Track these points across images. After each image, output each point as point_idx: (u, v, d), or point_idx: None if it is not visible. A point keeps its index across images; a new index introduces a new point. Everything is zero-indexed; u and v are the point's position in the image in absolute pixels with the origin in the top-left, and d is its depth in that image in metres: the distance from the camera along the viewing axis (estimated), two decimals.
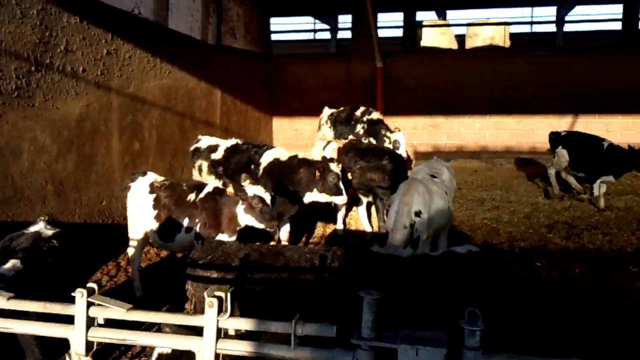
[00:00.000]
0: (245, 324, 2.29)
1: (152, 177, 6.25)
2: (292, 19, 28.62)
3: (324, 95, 15.39)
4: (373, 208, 8.72)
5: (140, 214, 6.06)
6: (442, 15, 26.46)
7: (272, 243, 7.16)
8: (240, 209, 5.66)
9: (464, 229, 8.60)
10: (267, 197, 5.90)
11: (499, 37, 21.91)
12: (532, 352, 2.21)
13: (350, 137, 11.03)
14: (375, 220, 8.73)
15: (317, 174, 7.11)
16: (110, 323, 2.76)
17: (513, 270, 6.91)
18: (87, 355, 2.71)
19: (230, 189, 5.63)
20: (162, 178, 6.28)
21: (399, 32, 24.65)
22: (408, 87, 14.92)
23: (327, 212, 8.83)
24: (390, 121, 14.82)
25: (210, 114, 11.36)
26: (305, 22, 28.64)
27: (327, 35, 27.96)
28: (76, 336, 2.64)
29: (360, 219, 8.87)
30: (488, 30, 22.51)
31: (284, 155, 7.55)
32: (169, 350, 2.71)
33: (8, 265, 3.75)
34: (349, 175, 7.95)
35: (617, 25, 20.27)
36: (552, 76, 14.16)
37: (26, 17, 6.26)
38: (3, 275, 3.63)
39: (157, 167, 8.96)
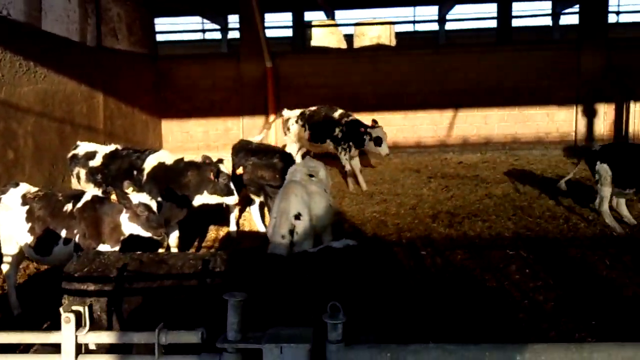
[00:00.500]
0: (106, 338, 2.22)
1: (24, 188, 5.88)
2: (182, 19, 27.97)
3: (214, 96, 15.22)
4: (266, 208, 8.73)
5: (14, 228, 5.69)
6: (330, 15, 26.95)
7: (160, 250, 7.00)
8: (124, 217, 5.47)
9: (354, 223, 8.81)
10: (153, 204, 5.75)
11: (385, 36, 22.71)
12: (410, 339, 2.31)
13: (328, 141, 11.00)
14: (268, 220, 8.74)
15: (212, 175, 7.02)
16: None
17: (400, 260, 7.24)
18: None
19: (114, 197, 5.42)
20: (36, 189, 5.93)
21: (290, 32, 24.83)
22: (298, 87, 15.04)
23: (220, 215, 8.73)
24: (281, 121, 14.97)
25: (92, 118, 10.85)
26: (195, 22, 28.07)
27: (218, 35, 27.63)
28: None
29: (254, 220, 8.85)
30: (375, 29, 23.26)
31: (169, 159, 7.38)
32: None
33: None
34: (238, 171, 7.98)
35: (493, 23, 21.57)
36: (434, 73, 14.82)
37: None
38: None
39: (34, 177, 8.43)
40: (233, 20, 26.08)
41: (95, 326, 2.68)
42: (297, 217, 5.15)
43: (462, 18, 34.12)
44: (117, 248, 5.44)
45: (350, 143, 10.69)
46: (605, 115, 14.35)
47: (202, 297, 3.62)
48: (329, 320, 1.89)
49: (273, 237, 5.18)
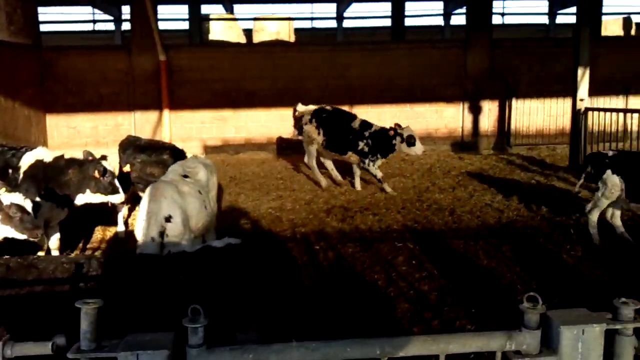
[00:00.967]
0: None
1: None
2: (73, 8, 26.43)
3: (104, 90, 14.57)
4: None
5: None
6: (229, 9, 26.58)
7: (40, 253, 6.58)
8: None
9: (249, 219, 8.74)
10: (27, 204, 5.40)
11: (284, 32, 22.73)
12: (287, 337, 2.28)
13: (350, 153, 10.26)
14: None
15: (95, 172, 6.66)
16: None
17: (294, 256, 7.27)
18: None
19: None
20: None
21: (187, 25, 24.22)
22: (194, 81, 14.73)
23: (108, 215, 8.33)
24: (177, 116, 14.60)
25: None
26: (87, 12, 26.71)
27: (112, 26, 26.46)
28: None
29: None
30: (274, 25, 23.23)
31: (48, 156, 6.93)
32: None
33: None
34: (125, 169, 7.64)
35: (388, 22, 22.18)
36: (331, 69, 15.02)
37: None
38: None
39: None
40: (128, 11, 25.07)
41: None
42: (168, 219, 4.90)
43: (359, 16, 34.80)
44: None
45: (378, 155, 10.12)
46: (489, 111, 15.19)
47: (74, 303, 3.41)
48: (189, 324, 1.83)
49: (142, 239, 4.92)
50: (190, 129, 14.83)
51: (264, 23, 23.58)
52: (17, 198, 5.28)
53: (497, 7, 28.76)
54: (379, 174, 10.14)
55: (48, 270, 3.73)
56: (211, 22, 22.73)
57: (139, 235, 4.96)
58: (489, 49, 15.07)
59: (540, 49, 15.73)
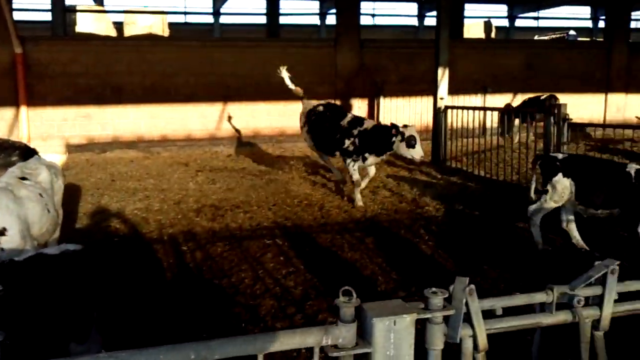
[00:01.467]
0: None
1: None
2: None
3: None
4: None
5: None
6: (98, 1, 25.29)
7: None
8: None
9: (112, 222, 8.35)
10: None
11: (157, 26, 22.00)
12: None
13: (337, 153, 9.41)
14: None
15: None
16: None
17: (159, 258, 7.05)
18: None
19: None
20: None
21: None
22: (55, 75, 13.84)
23: None
24: (36, 113, 13.65)
25: None
26: None
27: None
28: None
29: None
30: (147, 18, 22.41)
31: None
32: None
33: None
34: None
35: (263, 19, 22.17)
36: (203, 65, 14.73)
37: None
38: None
39: None
40: None
41: None
42: (2, 232, 4.38)
43: (235, 12, 34.52)
44: None
45: (366, 154, 9.09)
46: (359, 109, 15.68)
47: None
48: None
49: None
50: (51, 126, 13.91)
51: (137, 16, 22.71)
52: None
53: (367, 8, 29.83)
54: (356, 177, 9.15)
55: None
56: (79, 14, 21.49)
57: None
58: (358, 49, 15.54)
59: (407, 50, 16.49)
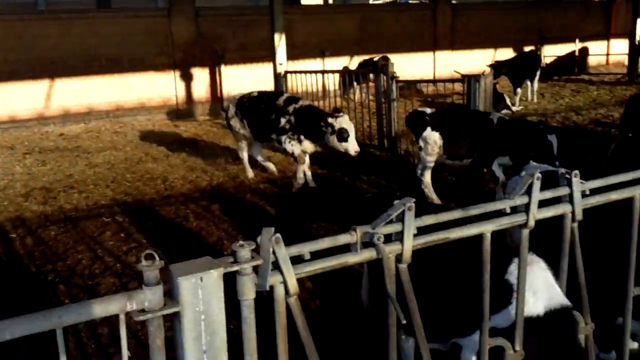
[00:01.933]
0: None
1: None
2: None
3: None
4: None
5: None
6: None
7: None
8: None
9: None
10: None
11: None
12: None
13: (274, 135, 8.24)
14: None
15: None
16: None
17: None
18: None
19: None
20: None
21: None
22: None
23: None
24: None
25: None
26: None
27: None
28: None
29: None
30: None
31: None
32: None
33: None
34: None
35: None
36: (21, 40, 13.45)
37: None
38: None
39: None
40: None
41: None
42: None
43: None
44: None
45: (302, 136, 8.09)
46: (201, 78, 15.34)
47: None
48: None
49: None
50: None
51: None
52: None
53: None
54: (297, 151, 8.14)
55: None
56: None
57: None
58: (193, 17, 15.10)
59: (245, 17, 16.30)
